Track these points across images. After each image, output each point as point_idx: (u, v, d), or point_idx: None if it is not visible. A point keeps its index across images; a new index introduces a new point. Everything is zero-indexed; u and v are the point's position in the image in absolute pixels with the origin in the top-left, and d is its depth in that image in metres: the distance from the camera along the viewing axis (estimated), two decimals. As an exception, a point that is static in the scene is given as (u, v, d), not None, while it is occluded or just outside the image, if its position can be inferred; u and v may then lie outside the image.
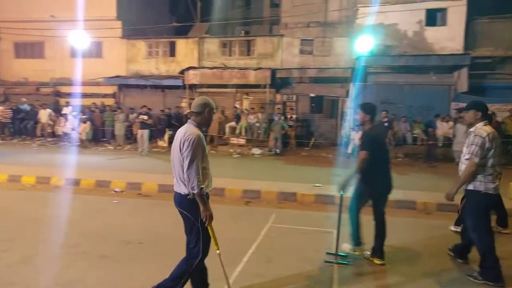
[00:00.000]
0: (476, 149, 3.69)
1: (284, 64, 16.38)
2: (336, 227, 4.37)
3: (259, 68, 16.09)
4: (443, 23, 14.00)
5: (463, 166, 3.93)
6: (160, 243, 4.79)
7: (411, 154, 13.45)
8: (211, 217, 2.96)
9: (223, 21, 19.95)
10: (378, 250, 4.30)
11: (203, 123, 3.08)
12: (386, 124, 11.47)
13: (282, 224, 5.63)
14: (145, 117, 12.75)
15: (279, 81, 16.39)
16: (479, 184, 3.76)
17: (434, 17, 14.18)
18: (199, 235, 3.01)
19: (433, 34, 14.05)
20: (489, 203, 3.82)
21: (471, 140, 3.78)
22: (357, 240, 4.49)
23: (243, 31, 19.47)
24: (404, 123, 14.33)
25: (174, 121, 15.08)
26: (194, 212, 2.98)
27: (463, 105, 13.92)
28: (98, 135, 15.64)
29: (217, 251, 3.05)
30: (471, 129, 3.89)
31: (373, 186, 4.31)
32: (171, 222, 5.60)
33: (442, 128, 13.15)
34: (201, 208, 2.93)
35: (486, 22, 14.05)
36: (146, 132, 12.78)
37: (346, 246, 4.50)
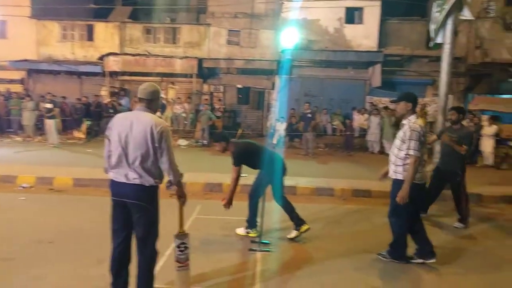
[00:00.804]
0: (415, 144, 3.79)
1: (211, 54, 16.21)
2: (260, 215, 4.48)
3: (186, 57, 15.72)
4: (360, 21, 15.00)
5: (392, 156, 4.04)
6: (74, 241, 4.46)
7: (331, 144, 14.30)
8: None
9: (147, 6, 19.01)
10: (297, 224, 4.64)
11: (156, 111, 3.06)
12: (309, 115, 12.00)
13: (208, 215, 5.61)
14: (49, 105, 11.66)
15: (206, 71, 16.21)
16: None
17: (352, 15, 15.12)
18: (156, 226, 3.06)
19: (351, 31, 14.98)
20: (413, 191, 3.88)
21: (408, 135, 3.84)
22: (254, 224, 4.83)
23: (168, 18, 18.78)
24: (325, 115, 15.16)
25: (94, 111, 14.09)
26: (155, 202, 3.01)
27: (377, 98, 15.27)
28: (3, 126, 13.99)
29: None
30: (403, 121, 3.99)
31: (267, 172, 4.70)
32: (87, 218, 5.27)
33: (359, 120, 14.18)
34: (181, 191, 3.15)
35: (396, 23, 15.38)
36: (52, 122, 11.68)
37: (241, 230, 4.86)
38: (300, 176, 8.17)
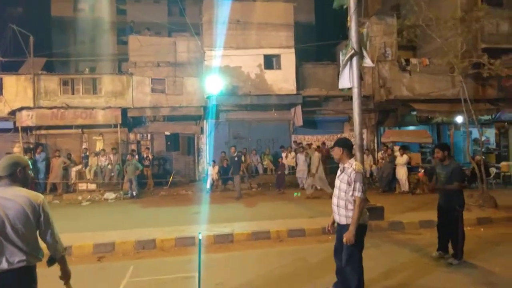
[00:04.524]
0: (360, 185, 3.88)
1: (135, 103, 15.92)
2: (197, 270, 4.35)
3: (108, 107, 15.22)
4: (279, 67, 16.04)
5: (341, 201, 4.02)
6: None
7: (263, 183, 14.63)
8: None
9: (64, 57, 18.31)
10: None
11: (25, 182, 2.81)
12: (236, 158, 12.26)
13: (141, 277, 5.28)
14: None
15: (131, 120, 15.80)
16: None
17: (271, 62, 16.13)
18: None
19: (271, 76, 15.92)
20: (360, 233, 3.90)
21: (352, 177, 3.90)
22: None
23: (87, 68, 18.20)
24: (255, 156, 15.58)
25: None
26: (35, 280, 2.72)
27: (302, 136, 16.14)
28: None
29: None
30: (345, 165, 4.05)
31: None
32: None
33: (287, 158, 14.80)
34: (65, 269, 2.90)
35: (310, 67, 16.77)
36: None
37: None
38: (236, 222, 8.17)
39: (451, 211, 5.48)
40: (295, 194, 12.14)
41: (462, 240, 5.45)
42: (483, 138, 13.15)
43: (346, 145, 4.15)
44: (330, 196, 12.10)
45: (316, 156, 11.88)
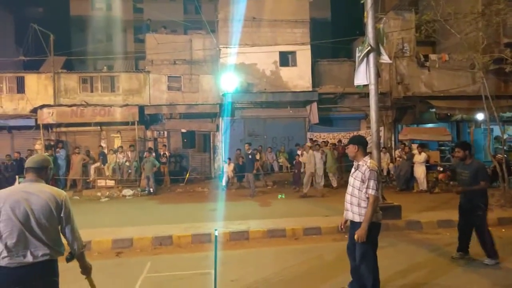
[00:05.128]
0: (374, 183, 3.85)
1: (152, 100, 16.12)
2: (213, 266, 4.39)
3: (126, 105, 15.46)
4: (294, 64, 15.96)
5: (354, 198, 4.00)
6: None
7: (279, 181, 14.61)
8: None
9: (82, 55, 18.66)
10: None
11: (47, 180, 2.95)
12: (250, 156, 12.30)
13: (158, 272, 5.38)
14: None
15: (148, 118, 16.01)
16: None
17: (286, 59, 16.06)
18: None
19: (287, 74, 15.85)
20: (372, 231, 3.88)
21: (367, 175, 3.88)
22: None
23: (105, 66, 18.51)
24: (270, 153, 15.56)
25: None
26: (57, 274, 2.82)
27: (318, 134, 16.04)
28: None
29: None
30: (359, 163, 4.03)
31: None
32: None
33: (303, 156, 14.71)
34: (85, 263, 2.97)
35: (326, 64, 16.60)
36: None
37: None
38: (251, 219, 8.20)
39: (474, 210, 5.34)
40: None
41: (490, 239, 5.31)
42: (505, 136, 12.76)
43: (361, 143, 4.12)
44: (303, 196, 11.71)
45: (311, 154, 11.78)
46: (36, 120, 14.96)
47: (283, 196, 11.64)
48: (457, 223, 5.69)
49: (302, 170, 14.27)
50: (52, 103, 15.40)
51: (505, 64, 10.35)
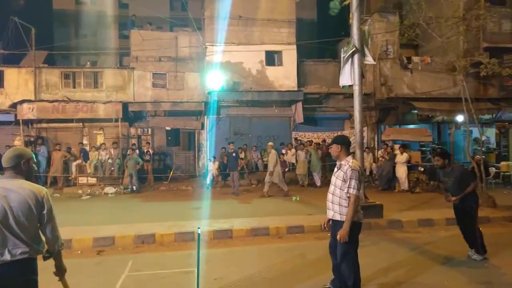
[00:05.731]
0: (356, 183, 3.88)
1: (136, 97, 15.91)
2: (196, 265, 4.38)
3: (110, 102, 15.22)
4: (280, 63, 16.01)
5: (335, 197, 4.03)
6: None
7: (263, 180, 14.59)
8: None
9: (65, 50, 18.27)
10: None
11: (28, 175, 2.82)
12: (233, 154, 12.29)
13: (140, 271, 5.32)
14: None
15: (132, 115, 15.81)
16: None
17: (272, 58, 16.10)
18: None
19: (272, 73, 15.89)
20: (354, 231, 3.91)
21: (348, 174, 3.90)
22: None
23: (88, 62, 18.17)
24: (255, 152, 15.59)
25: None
26: (36, 272, 2.74)
27: (302, 133, 16.14)
28: None
29: None
30: (342, 162, 4.07)
31: None
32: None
33: (287, 155, 14.80)
34: (61, 264, 2.91)
35: (312, 64, 16.74)
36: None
37: None
38: (235, 217, 8.21)
39: (468, 209, 5.55)
40: (294, 198, 11.60)
41: (480, 236, 5.55)
42: (484, 138, 13.13)
43: (344, 143, 4.18)
44: (286, 194, 11.84)
45: (274, 153, 11.80)
46: (15, 115, 14.59)
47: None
48: (457, 224, 5.81)
49: (286, 169, 14.38)
50: (32, 98, 15.03)
51: (480, 68, 10.54)
